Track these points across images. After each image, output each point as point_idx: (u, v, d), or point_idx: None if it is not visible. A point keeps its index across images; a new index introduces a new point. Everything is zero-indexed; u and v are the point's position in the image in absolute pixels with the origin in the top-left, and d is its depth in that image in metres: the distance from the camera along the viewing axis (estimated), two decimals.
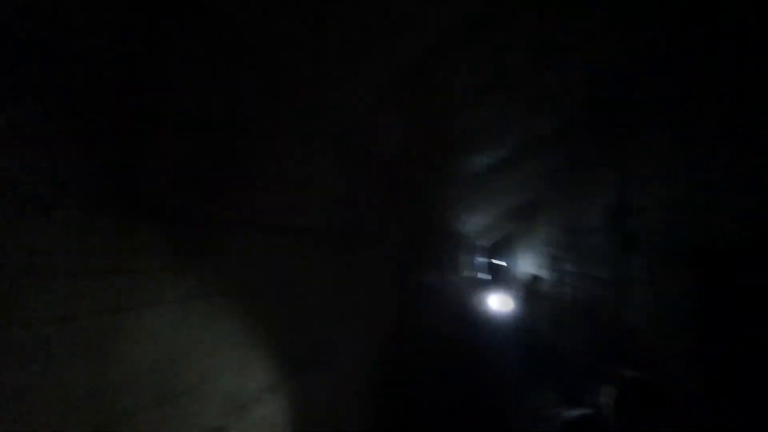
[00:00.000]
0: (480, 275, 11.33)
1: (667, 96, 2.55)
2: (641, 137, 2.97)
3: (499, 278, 10.76)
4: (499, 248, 11.67)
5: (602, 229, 3.68)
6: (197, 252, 1.03)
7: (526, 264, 9.45)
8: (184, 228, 0.99)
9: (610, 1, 2.04)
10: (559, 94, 3.02)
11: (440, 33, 1.92)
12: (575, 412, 1.65)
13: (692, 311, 2.06)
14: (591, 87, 2.96)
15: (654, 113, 2.74)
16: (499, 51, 2.32)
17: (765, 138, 1.56)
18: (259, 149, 1.28)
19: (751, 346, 1.64)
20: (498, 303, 6.44)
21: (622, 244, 3.12)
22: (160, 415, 0.91)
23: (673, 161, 2.42)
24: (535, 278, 6.82)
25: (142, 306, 0.87)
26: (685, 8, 2.08)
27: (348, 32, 1.51)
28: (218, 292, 1.10)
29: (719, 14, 1.91)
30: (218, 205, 1.11)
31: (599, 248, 3.80)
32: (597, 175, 4.02)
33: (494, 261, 12.04)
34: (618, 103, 3.08)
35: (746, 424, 1.59)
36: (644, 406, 1.40)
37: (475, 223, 8.26)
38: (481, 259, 11.57)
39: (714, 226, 1.93)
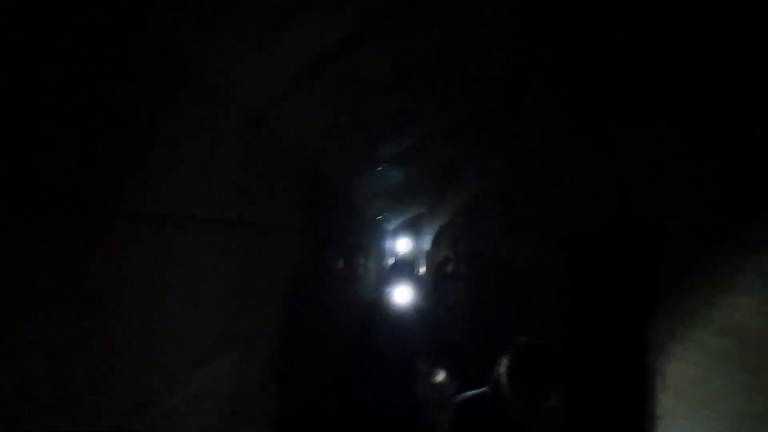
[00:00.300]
0: (388, 257, 11.70)
1: (544, 102, 2.92)
2: (524, 134, 3.36)
3: (406, 259, 10.94)
4: (406, 230, 12.15)
5: (493, 212, 4.11)
6: (89, 246, 0.96)
7: (430, 244, 10.05)
8: (72, 221, 0.91)
9: (501, 15, 2.27)
10: (461, 91, 3.26)
11: (357, 23, 1.96)
12: (468, 394, 1.59)
13: (564, 282, 2.45)
14: (485, 88, 3.25)
15: (534, 116, 3.12)
16: (410, 47, 2.43)
17: (616, 145, 1.89)
18: (156, 133, 1.20)
19: (607, 308, 2.01)
20: (402, 290, 6.64)
21: (508, 225, 3.53)
22: (56, 417, 0.86)
23: (550, 157, 2.80)
24: (445, 258, 7.32)
25: (30, 306, 0.80)
26: (562, 25, 2.39)
27: (261, 11, 1.47)
28: (114, 288, 1.04)
29: (590, 32, 2.24)
30: (111, 196, 1.03)
31: (491, 229, 4.24)
32: (489, 163, 4.45)
33: (401, 243, 12.43)
34: (506, 104, 3.43)
35: (606, 374, 1.93)
36: (536, 371, 1.38)
37: (383, 206, 8.52)
38: (389, 242, 11.94)
39: (580, 212, 2.31)
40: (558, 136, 2.69)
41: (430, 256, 10.27)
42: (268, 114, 2.09)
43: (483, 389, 1.56)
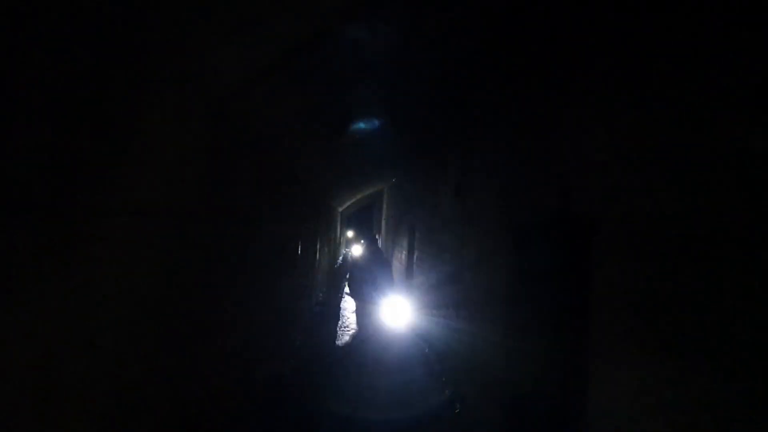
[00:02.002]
0: (346, 247, 11.62)
1: (493, 103, 3.12)
2: (476, 131, 3.56)
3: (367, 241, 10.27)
4: (364, 216, 12.19)
5: (449, 204, 4.33)
6: (70, 244, 0.99)
7: (388, 230, 10.23)
8: (54, 220, 0.94)
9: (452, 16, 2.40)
10: (416, 85, 3.38)
11: (323, 19, 2.01)
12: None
13: (506, 264, 2.70)
14: (438, 84, 3.40)
15: (485, 114, 3.33)
16: (369, 41, 2.51)
17: (557, 147, 2.11)
18: (125, 128, 1.22)
19: (539, 281, 2.28)
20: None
21: (463, 217, 3.76)
22: (45, 407, 0.90)
23: (500, 154, 3.02)
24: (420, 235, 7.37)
25: (20, 302, 0.83)
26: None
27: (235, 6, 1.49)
28: (95, 278, 1.08)
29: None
30: (89, 193, 1.06)
31: (447, 219, 4.46)
32: (445, 159, 4.65)
33: (361, 229, 12.41)
34: (458, 101, 3.61)
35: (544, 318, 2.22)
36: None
37: (343, 193, 8.55)
38: (346, 229, 11.93)
39: (521, 207, 2.54)
40: (508, 135, 2.90)
41: (386, 244, 10.37)
42: (236, 104, 2.10)
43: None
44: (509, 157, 2.85)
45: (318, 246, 6.91)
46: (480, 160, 3.50)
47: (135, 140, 1.26)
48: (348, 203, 11.10)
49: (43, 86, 0.90)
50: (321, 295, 7.70)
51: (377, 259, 4.89)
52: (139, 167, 1.29)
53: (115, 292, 1.16)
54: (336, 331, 6.16)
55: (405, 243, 7.45)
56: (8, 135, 0.82)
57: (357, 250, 12.27)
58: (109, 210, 1.15)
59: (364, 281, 4.76)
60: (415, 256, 6.54)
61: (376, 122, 4.31)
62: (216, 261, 2.02)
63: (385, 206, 11.16)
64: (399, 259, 8.08)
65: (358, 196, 10.80)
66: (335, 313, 7.10)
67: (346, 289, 7.63)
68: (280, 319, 3.79)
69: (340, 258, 13.67)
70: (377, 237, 6.26)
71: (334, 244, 11.11)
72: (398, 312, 5.24)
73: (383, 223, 11.47)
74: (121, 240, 1.19)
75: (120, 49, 1.15)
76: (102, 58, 1.08)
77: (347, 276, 4.92)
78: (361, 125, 4.26)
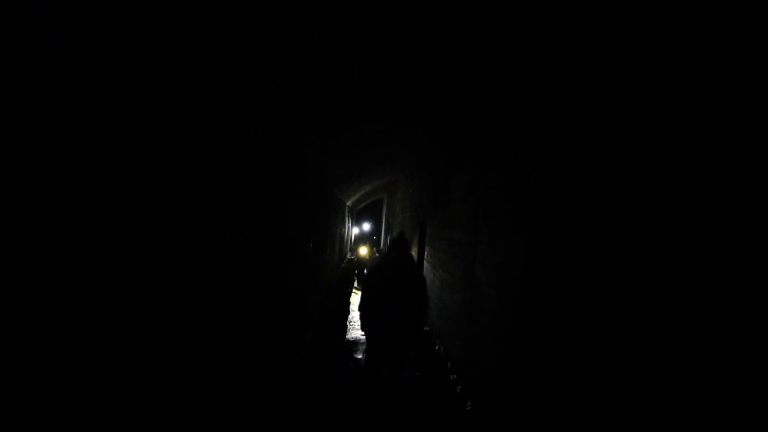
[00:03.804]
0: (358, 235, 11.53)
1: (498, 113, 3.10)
2: (487, 133, 3.54)
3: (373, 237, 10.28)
4: (374, 211, 12.11)
5: (463, 201, 4.31)
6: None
7: (395, 227, 10.22)
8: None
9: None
10: (434, 84, 3.36)
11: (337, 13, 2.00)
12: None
13: (520, 261, 2.69)
14: (458, 82, 3.37)
15: (495, 122, 3.30)
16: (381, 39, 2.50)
17: (558, 153, 2.09)
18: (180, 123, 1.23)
19: (552, 277, 2.27)
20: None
21: (477, 214, 3.74)
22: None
23: (509, 156, 3.00)
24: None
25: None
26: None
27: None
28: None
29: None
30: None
31: (461, 217, 4.44)
32: (458, 155, 4.62)
33: (367, 225, 12.35)
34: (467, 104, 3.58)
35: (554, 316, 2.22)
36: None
37: (351, 186, 8.54)
38: (354, 223, 11.89)
39: (533, 206, 2.53)
40: (522, 132, 2.88)
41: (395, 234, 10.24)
42: (264, 93, 2.11)
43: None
44: (524, 154, 2.83)
45: (327, 241, 6.93)
46: (495, 156, 3.48)
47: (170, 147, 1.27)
48: (356, 197, 11.09)
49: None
50: (330, 290, 7.74)
51: (407, 269, 3.16)
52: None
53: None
54: (346, 326, 6.21)
55: (415, 239, 7.43)
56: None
57: (364, 251, 11.52)
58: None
59: (385, 302, 3.03)
60: (426, 253, 6.53)
61: (390, 120, 4.30)
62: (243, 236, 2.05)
63: (395, 201, 11.13)
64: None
65: (367, 190, 10.78)
66: (344, 308, 7.14)
67: (357, 314, 7.06)
68: (292, 316, 3.82)
69: (347, 256, 13.63)
70: (402, 235, 3.92)
71: (343, 241, 11.09)
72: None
73: (392, 218, 11.45)
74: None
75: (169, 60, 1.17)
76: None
77: (359, 293, 3.28)
78: (374, 123, 4.25)
